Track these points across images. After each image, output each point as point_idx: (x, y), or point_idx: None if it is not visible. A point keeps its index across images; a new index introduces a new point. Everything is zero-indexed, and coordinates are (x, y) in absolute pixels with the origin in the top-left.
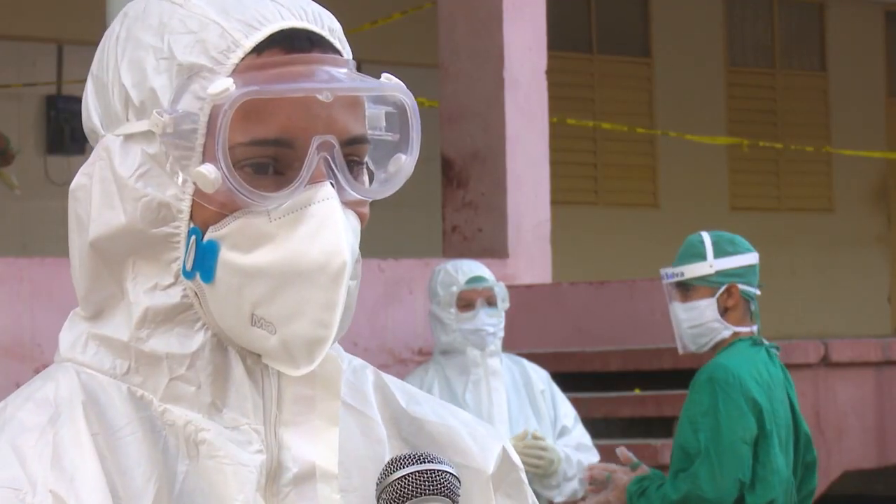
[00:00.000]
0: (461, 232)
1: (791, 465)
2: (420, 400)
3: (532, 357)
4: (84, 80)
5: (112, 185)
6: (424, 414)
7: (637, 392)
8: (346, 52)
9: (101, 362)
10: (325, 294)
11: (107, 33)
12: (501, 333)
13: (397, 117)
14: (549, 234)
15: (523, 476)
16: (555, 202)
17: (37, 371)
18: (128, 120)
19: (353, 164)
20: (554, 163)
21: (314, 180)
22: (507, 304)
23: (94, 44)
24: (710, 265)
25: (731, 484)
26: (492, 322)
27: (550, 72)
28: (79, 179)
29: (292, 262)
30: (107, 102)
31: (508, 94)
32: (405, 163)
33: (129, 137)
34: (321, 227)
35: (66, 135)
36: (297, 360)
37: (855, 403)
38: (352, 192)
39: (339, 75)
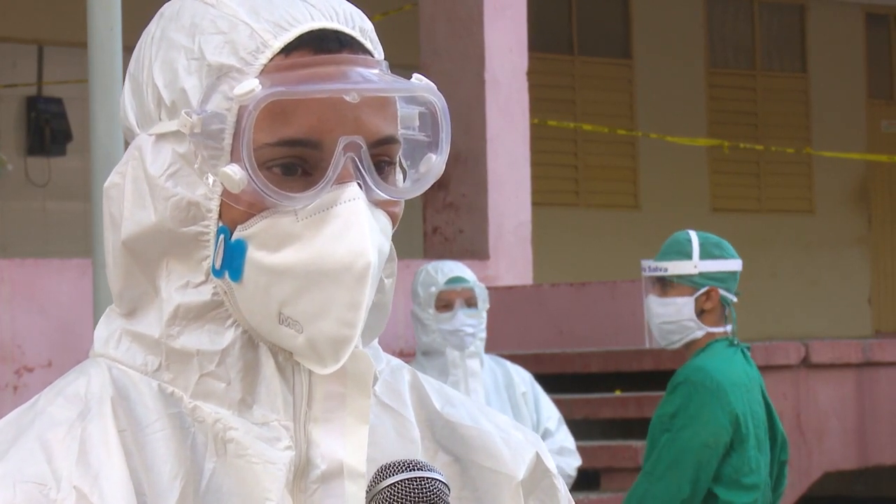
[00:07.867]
0: (442, 233)
1: (768, 466)
2: (455, 403)
3: (513, 358)
4: (64, 82)
5: (144, 185)
6: (459, 417)
7: (618, 393)
8: (378, 53)
9: (132, 358)
10: (350, 294)
11: (143, 33)
12: (482, 334)
13: (429, 118)
14: (529, 235)
15: (557, 482)
16: (536, 203)
17: (17, 373)
18: (160, 119)
19: (384, 164)
20: (535, 164)
21: (341, 181)
22: (487, 306)
23: (75, 45)
24: (695, 265)
25: (687, 486)
26: (471, 323)
27: (531, 73)
28: (112, 178)
29: (318, 262)
30: (141, 102)
31: (489, 95)
32: (435, 163)
33: (160, 137)
34: (346, 227)
35: (46, 136)
36: (323, 358)
37: (835, 404)
38: (379, 192)
39: (368, 76)
